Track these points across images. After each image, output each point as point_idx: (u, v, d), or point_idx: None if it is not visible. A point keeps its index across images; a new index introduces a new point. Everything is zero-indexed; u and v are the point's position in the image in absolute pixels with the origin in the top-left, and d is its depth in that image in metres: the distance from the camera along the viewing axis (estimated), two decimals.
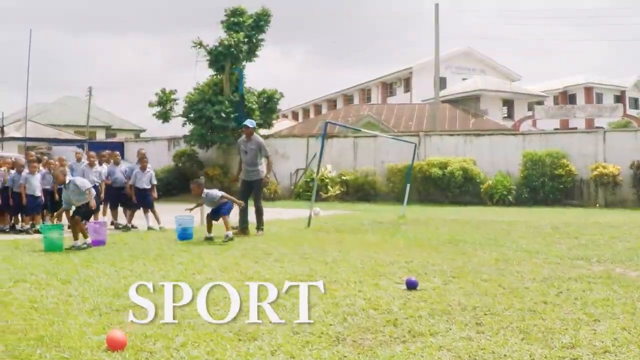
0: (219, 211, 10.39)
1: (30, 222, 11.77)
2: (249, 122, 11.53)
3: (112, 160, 12.99)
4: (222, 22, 23.56)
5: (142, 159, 12.57)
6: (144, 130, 45.75)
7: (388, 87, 47.13)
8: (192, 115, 23.41)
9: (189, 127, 24.12)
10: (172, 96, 23.87)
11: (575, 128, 36.28)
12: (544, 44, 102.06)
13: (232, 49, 22.28)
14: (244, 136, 11.49)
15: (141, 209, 12.64)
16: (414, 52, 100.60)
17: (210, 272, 6.82)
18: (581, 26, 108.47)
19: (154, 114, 23.90)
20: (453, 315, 4.93)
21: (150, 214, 12.52)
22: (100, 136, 38.18)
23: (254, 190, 11.38)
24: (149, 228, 12.19)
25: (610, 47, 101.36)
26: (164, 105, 23.67)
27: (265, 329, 4.37)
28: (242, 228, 11.09)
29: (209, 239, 9.96)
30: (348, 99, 52.17)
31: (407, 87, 44.23)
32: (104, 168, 12.70)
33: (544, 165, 20.94)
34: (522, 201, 20.99)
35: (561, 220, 13.99)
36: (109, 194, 12.64)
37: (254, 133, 11.48)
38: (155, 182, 12.78)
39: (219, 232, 10.19)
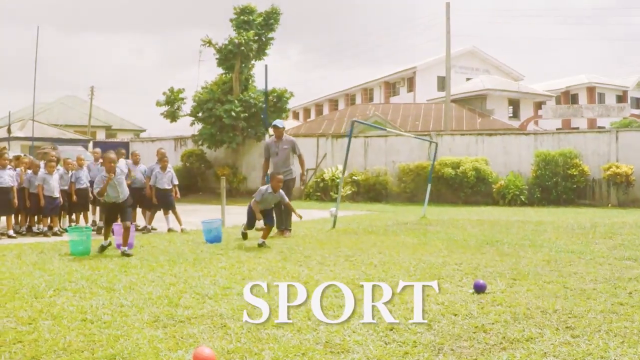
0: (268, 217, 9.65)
1: (49, 224, 11.41)
2: (279, 122, 11.31)
3: (131, 160, 12.61)
4: (231, 20, 23.25)
5: (162, 158, 12.22)
6: (144, 130, 45.33)
7: (391, 87, 46.86)
8: (200, 114, 23.08)
9: (197, 126, 23.82)
10: (180, 95, 23.51)
11: (578, 128, 36.29)
12: (543, 43, 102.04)
13: (243, 48, 21.99)
14: (272, 137, 11.23)
15: (161, 210, 12.29)
16: (413, 54, 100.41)
17: (260, 276, 6.51)
18: (579, 26, 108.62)
19: (161, 113, 23.56)
20: (538, 320, 4.73)
21: (170, 215, 12.18)
22: (100, 136, 37.74)
23: (284, 189, 11.10)
24: (170, 230, 11.84)
25: (611, 47, 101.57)
26: (171, 104, 23.31)
27: (352, 339, 4.09)
28: (282, 230, 10.95)
29: (260, 245, 9.17)
30: (350, 98, 51.89)
31: (411, 87, 43.99)
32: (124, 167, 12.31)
33: (557, 165, 20.77)
34: (534, 201, 20.82)
35: (586, 221, 13.76)
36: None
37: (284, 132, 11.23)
38: (176, 182, 12.44)
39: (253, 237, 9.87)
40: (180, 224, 11.94)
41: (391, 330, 4.33)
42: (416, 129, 29.52)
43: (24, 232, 11.49)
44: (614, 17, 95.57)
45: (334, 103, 54.45)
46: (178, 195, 12.51)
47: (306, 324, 4.49)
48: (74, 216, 12.47)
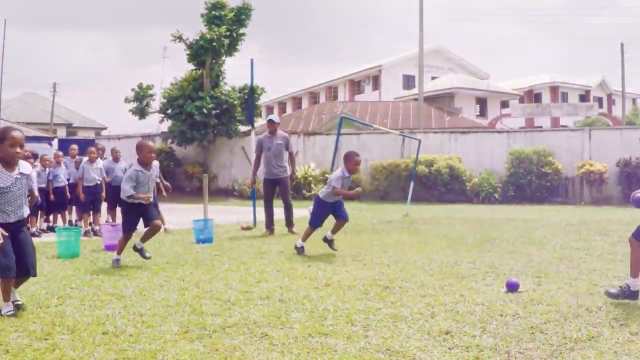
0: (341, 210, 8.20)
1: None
2: (275, 117, 10.96)
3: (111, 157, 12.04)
4: (202, 15, 22.66)
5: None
6: (105, 128, 44.10)
7: (356, 85, 46.80)
8: (169, 111, 22.43)
9: (162, 124, 23.22)
10: (149, 91, 22.82)
11: (541, 126, 36.77)
12: (504, 43, 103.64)
13: (214, 43, 21.45)
14: (265, 132, 10.88)
15: None
16: (377, 53, 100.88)
17: (274, 278, 6.14)
18: (540, 25, 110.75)
19: (130, 110, 22.80)
20: (587, 318, 4.57)
21: None
22: (61, 134, 36.42)
23: (281, 187, 10.77)
24: None
25: (571, 47, 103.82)
26: (140, 101, 22.59)
27: (411, 345, 3.79)
28: (272, 230, 10.61)
29: (299, 250, 8.03)
30: (314, 96, 51.62)
31: (376, 85, 43.98)
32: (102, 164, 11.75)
33: (531, 163, 20.87)
34: (508, 199, 20.90)
35: (570, 218, 13.81)
36: (107, 193, 11.66)
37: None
38: (159, 180, 11.91)
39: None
40: (164, 224, 11.42)
41: (447, 334, 4.05)
42: (385, 127, 29.36)
43: None
44: (573, 17, 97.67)
45: (297, 101, 54.13)
46: (163, 192, 12.00)
47: (351, 330, 4.16)
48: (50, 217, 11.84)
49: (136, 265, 7.14)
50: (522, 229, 11.27)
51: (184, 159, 23.88)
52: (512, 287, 5.49)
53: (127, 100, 22.61)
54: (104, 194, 11.31)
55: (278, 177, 10.68)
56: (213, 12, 22.23)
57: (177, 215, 13.31)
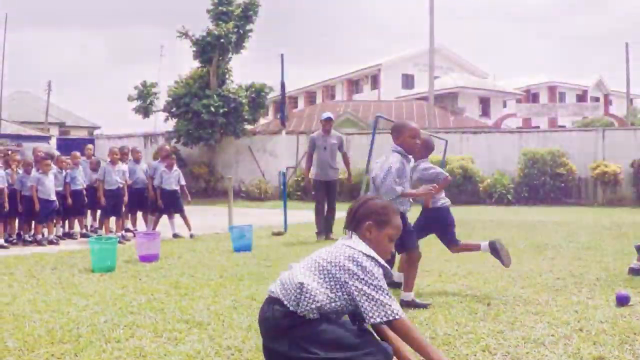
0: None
1: (42, 232, 10.09)
2: (331, 115, 10.39)
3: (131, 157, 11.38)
4: (208, 11, 21.98)
5: (168, 156, 11.07)
6: (98, 127, 43.22)
7: (354, 84, 46.23)
8: (174, 109, 21.73)
9: (172, 122, 22.43)
10: (153, 89, 22.11)
11: (539, 127, 36.49)
12: (502, 42, 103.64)
13: (222, 40, 20.79)
14: (318, 131, 10.32)
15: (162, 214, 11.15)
16: (374, 54, 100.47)
17: None
18: (536, 24, 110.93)
19: (133, 109, 22.07)
20: None
21: (174, 219, 11.05)
22: (54, 133, 35.45)
23: (332, 189, 10.20)
24: (175, 236, 10.71)
25: (566, 47, 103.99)
26: (144, 99, 21.87)
27: None
28: (327, 235, 10.01)
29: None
30: (310, 96, 50.99)
31: (375, 85, 43.42)
32: (124, 166, 11.09)
33: (545, 163, 20.46)
34: (521, 200, 20.48)
35: (600, 220, 13.43)
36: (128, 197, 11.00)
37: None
38: (183, 182, 11.31)
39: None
40: (190, 229, 10.83)
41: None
42: (388, 126, 28.84)
43: (15, 242, 10.13)
44: (567, 16, 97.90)
45: (293, 100, 53.40)
46: (188, 197, 11.38)
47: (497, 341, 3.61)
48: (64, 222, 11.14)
49: (191, 281, 6.49)
50: (563, 232, 10.83)
51: (188, 158, 23.18)
52: (624, 301, 5.03)
53: (130, 99, 21.89)
54: (126, 197, 10.64)
55: (332, 178, 10.13)
56: (220, 8, 21.57)
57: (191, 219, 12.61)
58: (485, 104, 37.98)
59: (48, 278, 6.67)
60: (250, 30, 22.31)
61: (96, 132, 41.46)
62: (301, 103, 50.82)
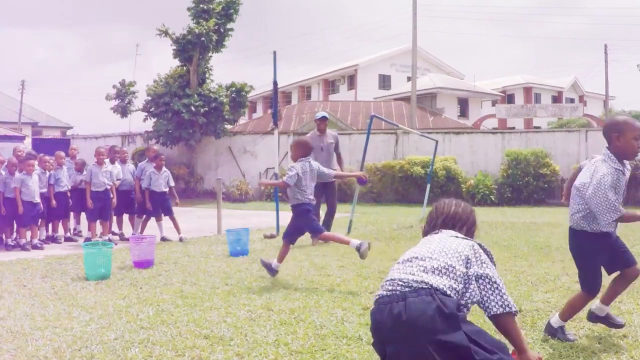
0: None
1: (25, 236, 9.59)
2: (326, 114, 10.07)
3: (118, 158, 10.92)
4: (188, 9, 21.47)
5: (157, 157, 10.64)
6: (71, 128, 42.19)
7: (330, 85, 45.98)
8: (153, 109, 21.18)
9: (151, 122, 21.86)
10: (132, 88, 21.54)
11: (514, 127, 36.69)
12: (473, 43, 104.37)
13: (203, 38, 20.34)
14: (314, 131, 9.97)
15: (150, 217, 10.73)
16: (350, 55, 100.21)
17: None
18: (510, 25, 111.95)
19: (111, 108, 21.48)
20: None
21: (162, 222, 10.63)
22: (27, 133, 34.52)
23: (330, 191, 9.87)
24: (164, 239, 10.30)
25: (541, 48, 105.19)
26: (122, 98, 21.30)
27: None
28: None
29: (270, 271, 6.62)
30: (286, 96, 50.61)
31: (352, 85, 43.24)
32: (117, 167, 10.63)
33: (529, 164, 20.46)
34: (504, 201, 20.45)
35: None
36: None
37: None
38: (173, 184, 10.89)
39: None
40: (179, 232, 10.43)
41: None
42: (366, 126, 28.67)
43: None
44: (541, 17, 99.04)
45: (268, 101, 52.93)
46: (177, 199, 10.96)
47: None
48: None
49: (191, 287, 6.15)
50: (560, 234, 10.68)
51: (167, 159, 22.50)
52: None
53: (108, 98, 21.30)
54: (114, 199, 10.19)
55: (327, 180, 9.75)
56: (201, 6, 21.09)
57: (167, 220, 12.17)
58: (463, 105, 38.02)
59: (40, 288, 6.25)
60: (231, 29, 21.89)
61: (69, 132, 40.51)
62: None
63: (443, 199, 3.26)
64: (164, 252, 8.78)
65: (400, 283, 2.69)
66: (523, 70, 79.67)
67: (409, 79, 41.42)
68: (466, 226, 3.09)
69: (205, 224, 12.68)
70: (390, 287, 2.72)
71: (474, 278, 2.69)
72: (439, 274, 2.67)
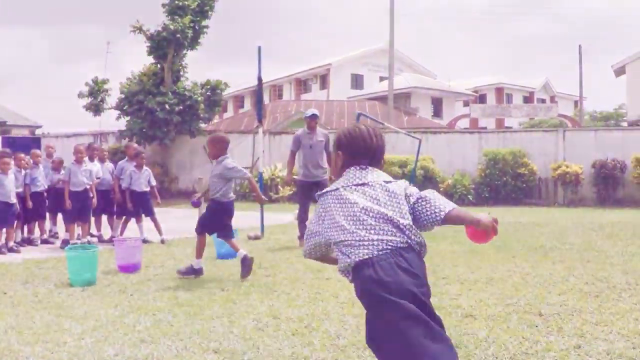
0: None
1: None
2: (316, 111, 9.74)
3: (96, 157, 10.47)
4: (163, 5, 20.94)
5: (138, 155, 10.23)
6: (40, 127, 41.06)
7: (302, 84, 45.64)
8: (127, 107, 20.60)
9: (124, 120, 21.26)
10: (105, 86, 20.93)
11: (486, 127, 36.85)
12: (446, 43, 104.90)
13: (178, 35, 19.85)
14: (303, 129, 9.65)
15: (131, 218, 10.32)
16: (320, 54, 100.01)
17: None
18: (480, 25, 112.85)
19: (83, 106, 20.83)
20: None
21: (143, 224, 10.23)
22: None
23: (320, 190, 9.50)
24: (145, 241, 9.86)
25: (517, 49, 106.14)
26: (95, 96, 20.67)
27: None
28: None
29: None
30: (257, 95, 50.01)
31: (324, 84, 42.97)
32: (96, 165, 10.18)
33: (507, 164, 20.49)
34: (482, 200, 20.44)
35: (579, 219, 13.36)
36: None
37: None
38: (154, 183, 10.48)
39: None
40: (161, 234, 10.04)
41: None
42: (342, 126, 28.48)
43: None
44: (511, 17, 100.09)
45: (239, 99, 52.42)
46: (158, 199, 10.56)
47: None
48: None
49: (186, 293, 5.81)
50: (549, 234, 10.62)
51: None
52: None
53: (80, 96, 20.65)
54: (95, 200, 9.75)
55: (318, 179, 9.44)
56: (176, 2, 20.58)
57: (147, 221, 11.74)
58: (437, 105, 38.07)
59: (23, 295, 5.83)
60: (206, 27, 21.43)
61: (38, 131, 39.40)
62: (248, 102, 49.84)
63: (355, 125, 3.02)
64: (147, 254, 8.37)
65: (390, 244, 2.55)
66: (495, 71, 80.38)
67: (381, 78, 41.40)
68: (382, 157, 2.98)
69: (184, 225, 12.22)
70: (380, 247, 2.55)
71: (415, 206, 2.67)
72: (408, 229, 2.59)
